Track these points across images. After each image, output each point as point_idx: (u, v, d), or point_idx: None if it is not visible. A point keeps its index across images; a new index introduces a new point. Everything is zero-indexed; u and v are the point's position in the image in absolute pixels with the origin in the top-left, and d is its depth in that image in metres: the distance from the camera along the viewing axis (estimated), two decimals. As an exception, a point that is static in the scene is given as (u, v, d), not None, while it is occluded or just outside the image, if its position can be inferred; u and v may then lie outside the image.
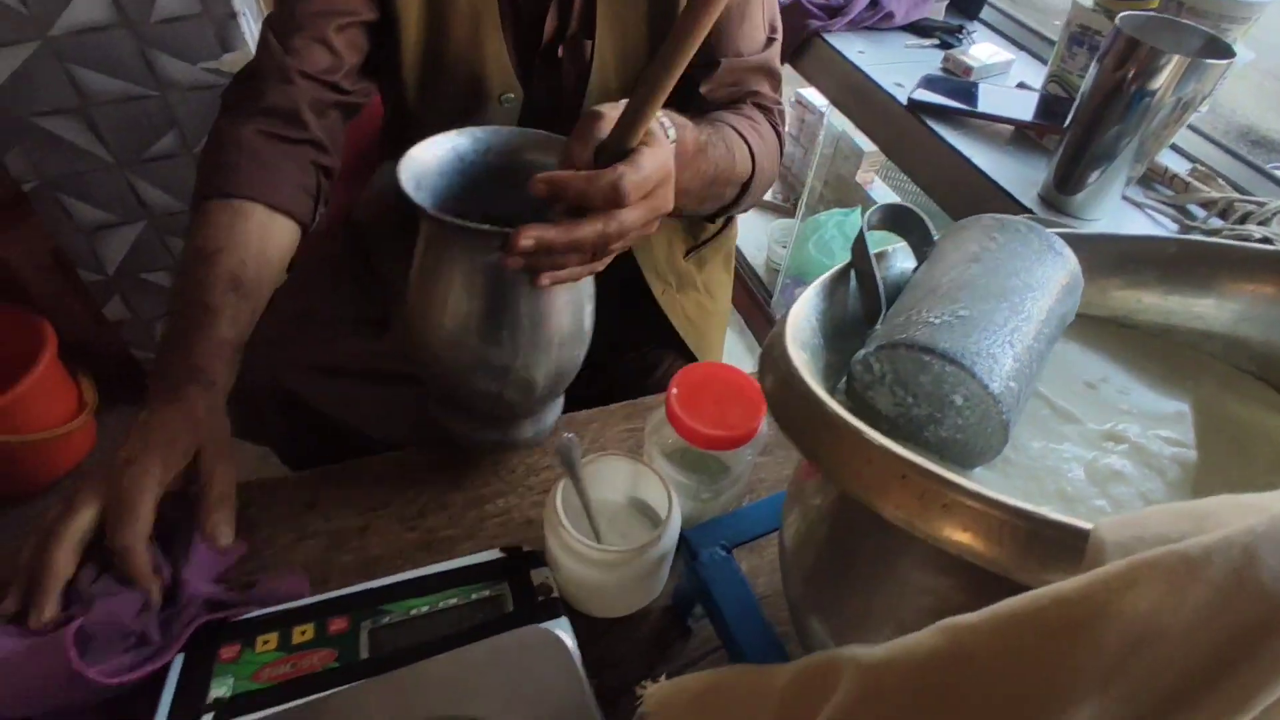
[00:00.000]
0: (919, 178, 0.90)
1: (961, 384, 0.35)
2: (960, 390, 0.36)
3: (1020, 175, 0.79)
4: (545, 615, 0.48)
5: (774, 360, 0.35)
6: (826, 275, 0.44)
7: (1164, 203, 0.75)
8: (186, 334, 0.56)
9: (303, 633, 0.48)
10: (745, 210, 0.79)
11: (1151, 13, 0.68)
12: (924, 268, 0.43)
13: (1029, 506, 0.23)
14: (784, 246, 1.34)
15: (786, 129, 0.81)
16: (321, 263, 0.91)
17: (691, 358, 0.91)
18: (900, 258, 0.47)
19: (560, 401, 0.65)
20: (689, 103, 0.75)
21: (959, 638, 0.21)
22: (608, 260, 0.50)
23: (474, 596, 0.50)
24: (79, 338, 1.54)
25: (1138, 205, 0.76)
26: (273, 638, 0.48)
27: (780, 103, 0.80)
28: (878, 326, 0.40)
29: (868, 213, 0.44)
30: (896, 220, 0.46)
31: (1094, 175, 0.71)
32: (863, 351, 0.39)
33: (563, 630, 0.45)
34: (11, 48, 1.08)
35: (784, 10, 1.09)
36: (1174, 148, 0.85)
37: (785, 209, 1.50)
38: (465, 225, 0.46)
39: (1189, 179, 0.76)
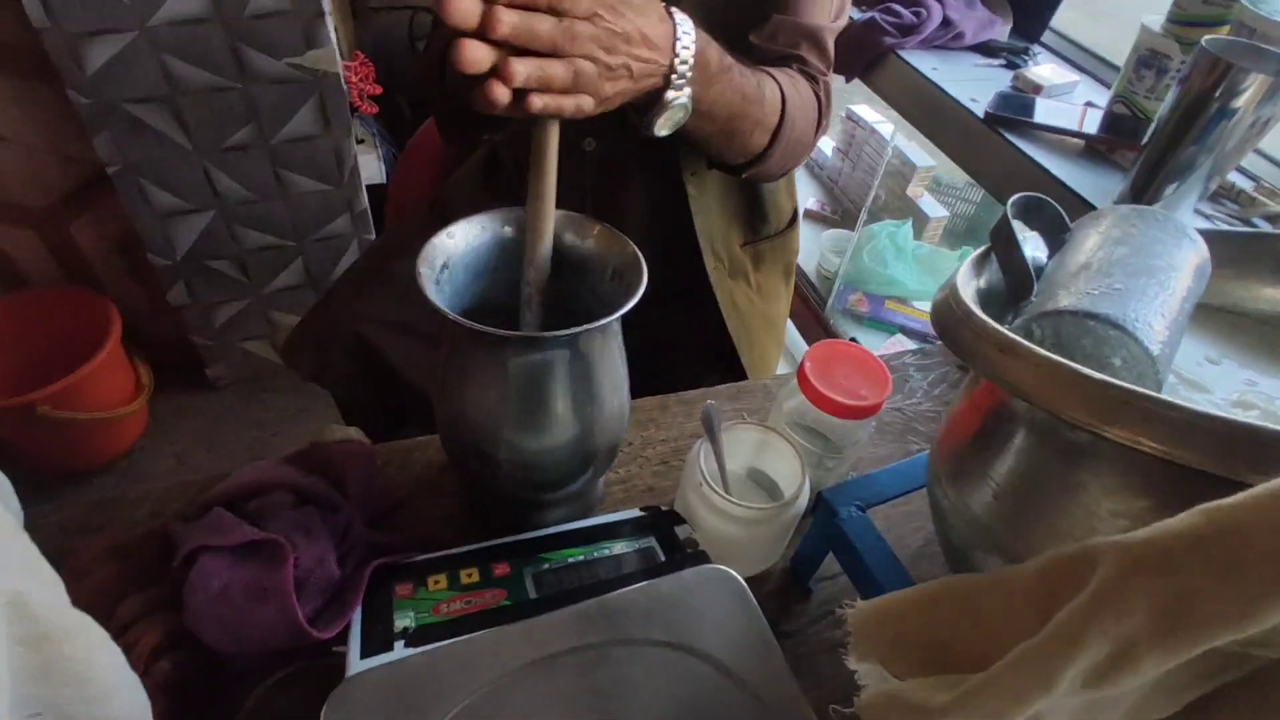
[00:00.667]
0: (991, 186, 0.96)
1: (1123, 346, 0.40)
2: (1121, 352, 0.40)
3: (1094, 185, 0.84)
4: (697, 565, 0.51)
5: (963, 321, 0.39)
6: (970, 259, 0.49)
7: (1232, 216, 0.81)
8: None
9: (469, 575, 0.51)
10: (776, 173, 0.77)
11: (1231, 37, 0.74)
12: (1065, 251, 0.47)
13: (1243, 418, 0.27)
14: (836, 255, 1.39)
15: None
16: (409, 231, 0.96)
17: (738, 366, 0.93)
18: (1028, 246, 0.52)
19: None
20: (737, 50, 0.72)
21: (1217, 517, 0.25)
22: (586, 104, 0.49)
23: (626, 548, 0.53)
24: (138, 321, 1.58)
25: (1207, 218, 0.81)
26: (442, 578, 0.51)
27: (827, 76, 0.78)
28: (1032, 299, 0.45)
29: (1009, 201, 0.49)
30: (1030, 210, 0.50)
31: (1170, 189, 0.76)
32: (1021, 319, 0.44)
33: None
34: (112, 36, 1.13)
35: (859, 27, 1.16)
36: (1238, 167, 0.91)
37: (833, 220, 1.56)
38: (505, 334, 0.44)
39: (1254, 194, 0.81)
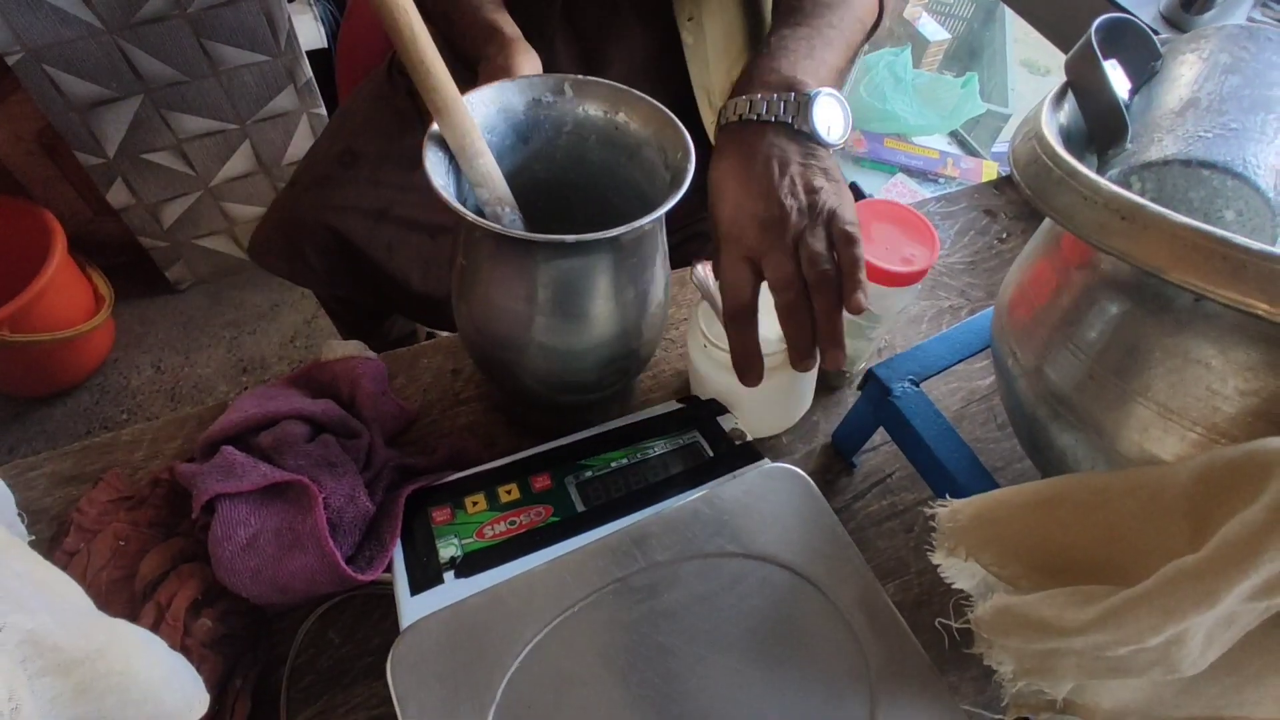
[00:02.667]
0: None
1: (1240, 198, 0.35)
2: (1236, 204, 0.35)
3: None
4: (747, 459, 0.49)
5: (1065, 183, 0.33)
6: (1050, 96, 0.42)
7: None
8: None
9: (508, 492, 0.48)
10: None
11: None
12: (1159, 83, 0.41)
13: None
14: (830, 92, 1.29)
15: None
16: (368, 102, 0.87)
17: None
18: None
19: None
20: None
21: None
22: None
23: (670, 446, 0.50)
24: (82, 229, 1.46)
25: (1257, 24, 0.74)
26: (480, 499, 0.48)
27: None
28: (1127, 144, 0.39)
29: (1093, 27, 0.42)
30: (1113, 36, 0.44)
31: (1225, -11, 0.68)
32: (1115, 170, 0.38)
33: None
34: (-28, -110, 0.94)
35: None
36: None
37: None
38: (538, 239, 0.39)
39: (1308, -8, 0.74)
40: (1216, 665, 0.32)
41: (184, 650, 0.42)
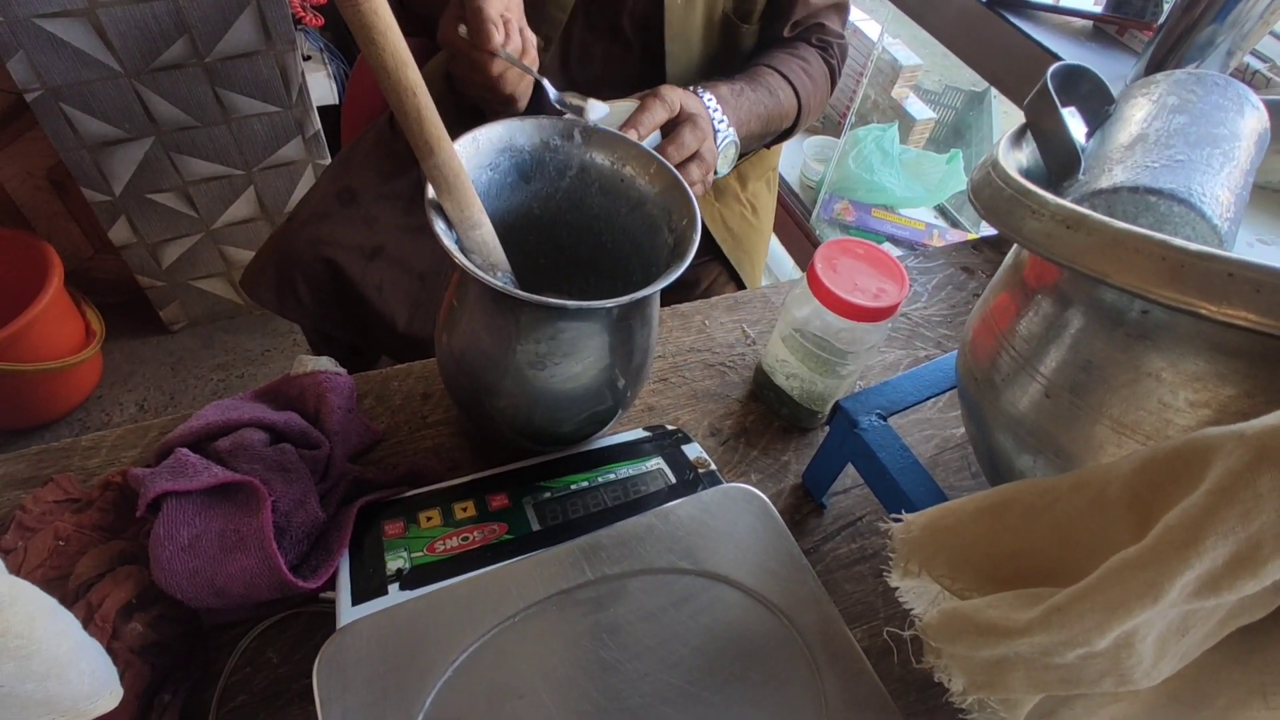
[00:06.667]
0: (991, 74, 0.90)
1: (1187, 224, 0.36)
2: (1184, 231, 0.36)
3: (1104, 69, 0.79)
4: (708, 487, 0.48)
5: (1016, 200, 0.34)
6: (1006, 136, 0.44)
7: (1245, 98, 0.77)
8: None
9: (464, 509, 0.47)
10: (797, 134, 0.88)
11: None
12: (1111, 124, 0.43)
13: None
14: (819, 163, 1.33)
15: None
16: (369, 146, 0.90)
17: (732, 271, 0.94)
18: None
19: None
20: (770, 36, 0.84)
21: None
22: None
23: (632, 472, 0.50)
24: (81, 264, 1.47)
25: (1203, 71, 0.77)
26: (435, 514, 0.47)
27: (843, 37, 0.88)
28: (1079, 176, 0.40)
29: (1049, 71, 0.44)
30: (1068, 83, 0.45)
31: (1189, 69, 0.71)
32: (1069, 198, 0.39)
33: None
34: (11, -62, 1.00)
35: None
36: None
37: (814, 127, 1.49)
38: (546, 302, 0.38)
39: (1270, 74, 0.77)
40: (1182, 700, 0.31)
41: (110, 654, 0.40)
